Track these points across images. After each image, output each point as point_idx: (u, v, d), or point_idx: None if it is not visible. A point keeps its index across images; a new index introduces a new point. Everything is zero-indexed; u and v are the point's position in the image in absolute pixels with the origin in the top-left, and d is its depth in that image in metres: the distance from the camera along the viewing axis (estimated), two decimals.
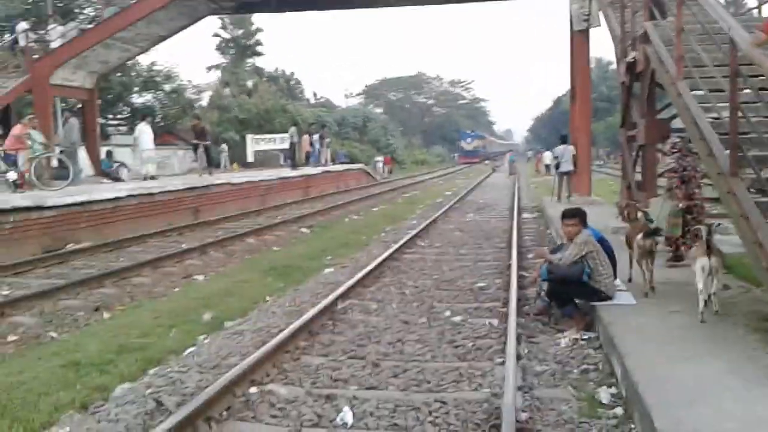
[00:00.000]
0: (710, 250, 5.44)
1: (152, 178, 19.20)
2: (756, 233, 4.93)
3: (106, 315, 7.66)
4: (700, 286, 5.39)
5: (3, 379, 5.28)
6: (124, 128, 36.81)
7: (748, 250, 5.14)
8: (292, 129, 28.05)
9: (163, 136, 35.55)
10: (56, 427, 4.43)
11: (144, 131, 19.49)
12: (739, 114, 5.68)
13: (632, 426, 4.10)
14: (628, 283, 6.81)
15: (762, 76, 6.15)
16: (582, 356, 5.49)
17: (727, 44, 5.80)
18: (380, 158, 47.89)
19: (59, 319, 7.41)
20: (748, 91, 6.32)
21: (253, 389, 4.90)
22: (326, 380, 5.16)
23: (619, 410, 4.37)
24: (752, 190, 5.75)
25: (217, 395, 4.51)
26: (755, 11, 11.38)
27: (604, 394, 4.61)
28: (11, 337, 6.67)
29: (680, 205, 7.67)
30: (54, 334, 6.87)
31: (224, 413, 4.48)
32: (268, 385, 4.99)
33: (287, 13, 22.63)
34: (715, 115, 6.44)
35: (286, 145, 35.41)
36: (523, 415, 4.26)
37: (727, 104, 5.80)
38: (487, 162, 72.40)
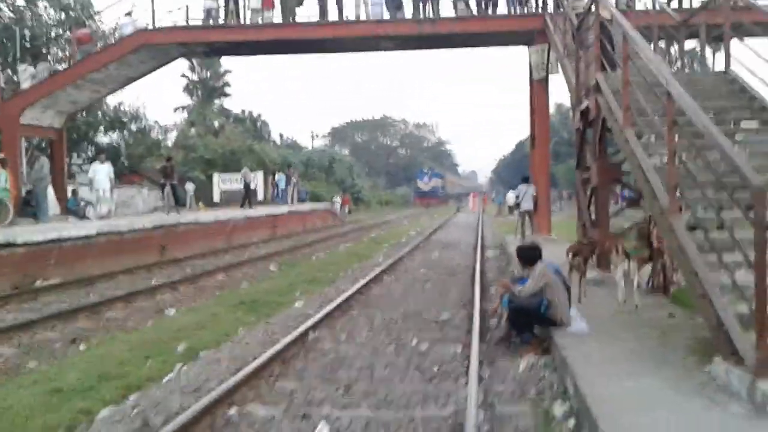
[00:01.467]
0: (627, 258, 7.75)
1: (104, 217, 19.02)
2: (691, 264, 5.47)
3: (82, 347, 7.86)
4: (622, 284, 7.75)
5: None
6: (88, 167, 36.64)
7: (686, 280, 5.68)
8: (244, 169, 28.25)
9: (128, 175, 35.53)
10: None
11: (98, 170, 19.38)
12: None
13: None
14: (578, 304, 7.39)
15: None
16: (539, 378, 5.95)
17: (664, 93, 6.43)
18: (338, 198, 45.77)
19: (37, 350, 7.61)
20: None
21: (232, 410, 5.21)
22: (301, 402, 5.50)
23: (571, 422, 4.80)
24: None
25: (199, 414, 4.82)
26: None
27: (558, 410, 5.05)
28: None
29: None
30: (33, 365, 7.07)
31: (207, 431, 4.78)
32: (246, 406, 5.31)
33: (257, 56, 23.14)
34: (657, 160, 7.07)
35: (250, 185, 35.78)
36: (485, 429, 4.66)
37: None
38: (452, 202, 72.98)
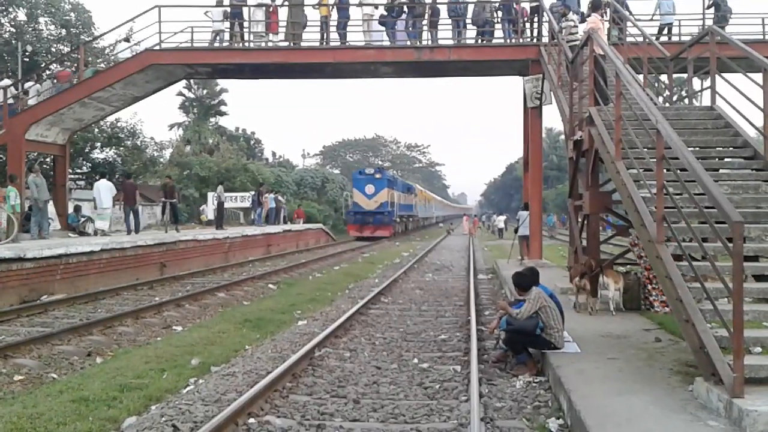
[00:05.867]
0: (604, 274, 9.70)
1: (103, 233, 19.31)
2: (677, 291, 5.94)
3: (98, 359, 8.25)
4: (604, 292, 9.85)
5: (22, 411, 5.86)
6: (82, 183, 36.92)
7: (671, 306, 6.15)
8: (219, 188, 27.38)
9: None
10: None
11: (101, 188, 19.72)
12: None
13: None
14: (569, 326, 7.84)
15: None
16: (534, 395, 6.39)
17: (654, 129, 6.93)
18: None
19: (56, 362, 7.98)
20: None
21: (252, 420, 5.61)
22: (314, 414, 5.90)
23: None
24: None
25: (224, 422, 5.22)
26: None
27: (553, 424, 5.48)
28: (17, 377, 7.24)
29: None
30: (55, 375, 7.45)
31: None
32: (264, 417, 5.71)
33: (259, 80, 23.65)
34: (646, 191, 7.56)
35: (246, 204, 35.78)
36: None
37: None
38: (441, 226, 72.01)
